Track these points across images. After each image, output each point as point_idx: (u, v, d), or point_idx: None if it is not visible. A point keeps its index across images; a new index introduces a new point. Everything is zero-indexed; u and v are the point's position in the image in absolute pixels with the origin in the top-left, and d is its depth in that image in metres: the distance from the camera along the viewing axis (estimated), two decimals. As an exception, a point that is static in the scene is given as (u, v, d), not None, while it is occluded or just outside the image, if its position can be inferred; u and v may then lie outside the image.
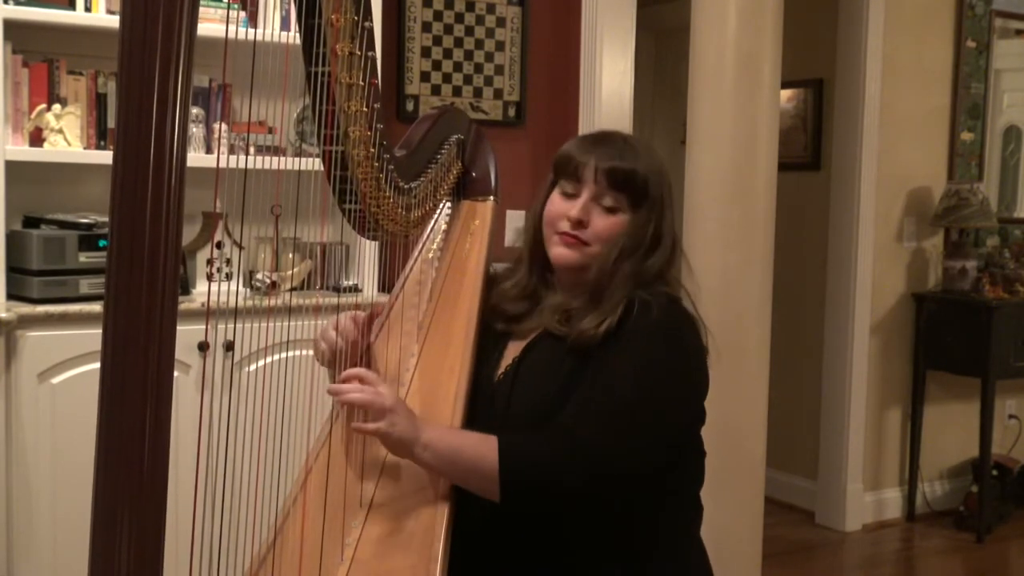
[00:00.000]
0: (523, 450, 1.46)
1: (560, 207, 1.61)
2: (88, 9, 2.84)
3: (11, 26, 2.72)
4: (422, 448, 1.44)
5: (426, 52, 3.52)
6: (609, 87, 3.70)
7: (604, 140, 1.64)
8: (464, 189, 1.92)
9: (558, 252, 1.61)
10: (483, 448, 1.44)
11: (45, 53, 2.87)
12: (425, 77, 3.52)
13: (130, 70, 0.92)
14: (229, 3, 2.88)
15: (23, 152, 2.79)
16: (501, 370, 1.64)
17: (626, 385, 1.48)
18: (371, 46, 1.45)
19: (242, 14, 2.98)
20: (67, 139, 2.84)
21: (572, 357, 1.54)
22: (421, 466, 1.46)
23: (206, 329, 2.56)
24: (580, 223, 1.58)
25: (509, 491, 1.43)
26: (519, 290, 1.67)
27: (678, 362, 1.54)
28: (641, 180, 1.58)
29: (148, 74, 0.92)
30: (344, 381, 1.48)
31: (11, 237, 2.75)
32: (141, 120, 0.92)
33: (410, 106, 3.49)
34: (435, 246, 1.87)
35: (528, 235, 1.69)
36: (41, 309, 2.67)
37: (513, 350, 1.65)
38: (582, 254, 1.59)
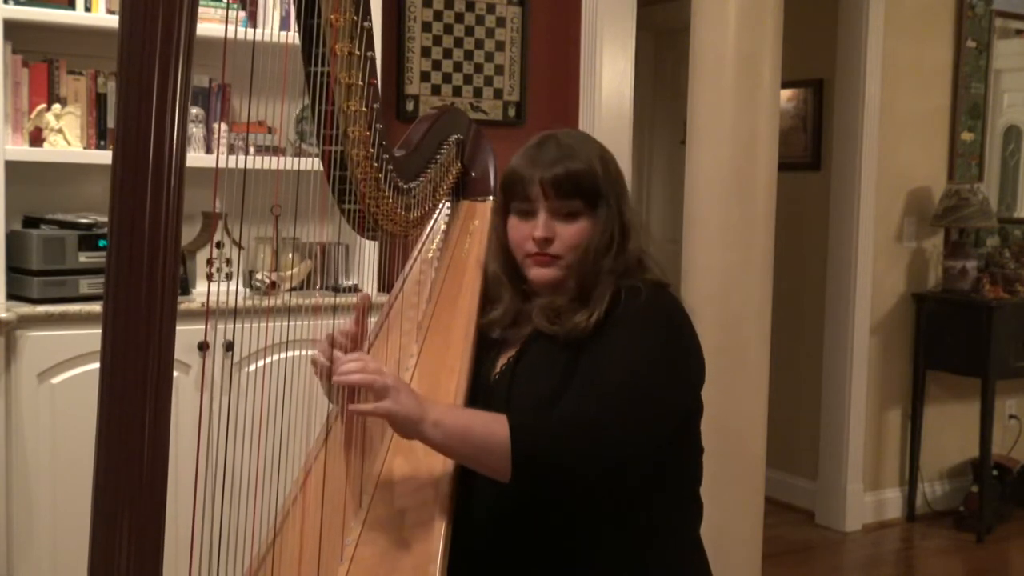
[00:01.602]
0: (534, 428, 1.45)
1: (522, 231, 1.61)
2: (88, 9, 2.84)
3: (11, 26, 2.72)
4: (431, 426, 1.40)
5: (426, 52, 3.52)
6: (609, 87, 3.70)
7: (541, 148, 1.62)
8: (464, 189, 1.92)
9: (535, 274, 1.61)
10: (494, 426, 1.42)
11: (45, 53, 2.87)
12: (425, 77, 3.52)
13: (129, 70, 0.92)
14: (229, 3, 2.88)
15: (23, 152, 2.79)
16: (497, 370, 1.64)
17: (623, 365, 1.48)
18: (370, 46, 1.45)
19: (241, 14, 2.98)
20: (67, 139, 2.84)
21: (566, 353, 1.54)
22: (430, 445, 1.43)
23: (206, 329, 2.56)
24: (546, 240, 1.58)
25: (520, 468, 1.41)
26: (510, 316, 1.66)
27: (671, 338, 1.55)
28: (588, 179, 1.57)
29: (147, 74, 0.92)
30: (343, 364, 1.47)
31: (11, 237, 2.75)
32: (140, 120, 0.92)
33: (410, 106, 3.49)
34: (434, 246, 1.87)
35: (500, 263, 1.67)
36: (41, 309, 2.67)
37: (508, 352, 1.65)
38: (558, 268, 1.59)
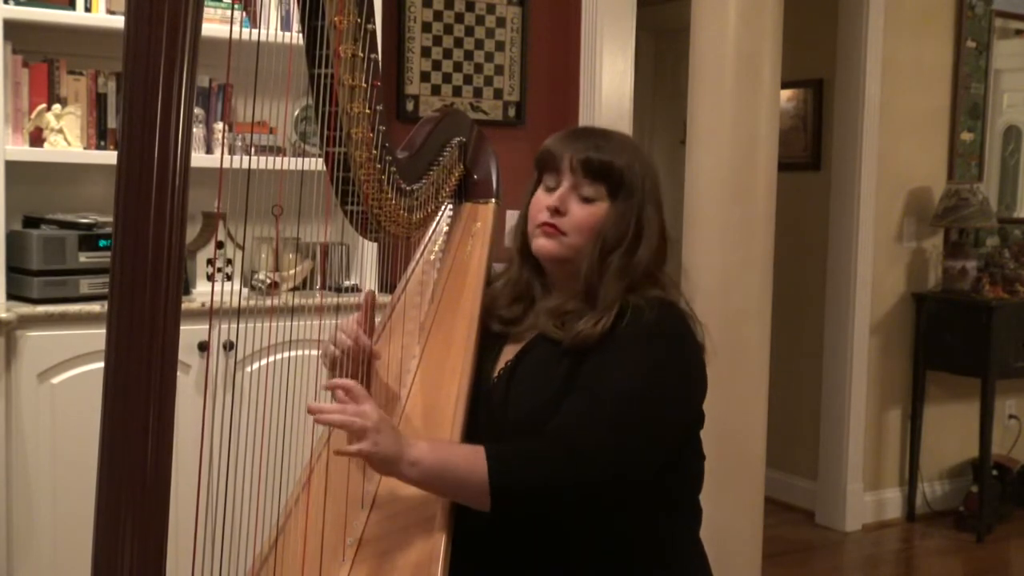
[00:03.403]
0: (513, 460, 1.44)
1: (541, 201, 1.62)
2: (88, 9, 2.83)
3: (11, 26, 2.71)
4: (408, 465, 1.39)
5: (426, 52, 3.52)
6: (609, 87, 3.70)
7: (582, 134, 1.65)
8: (466, 191, 1.92)
9: (538, 244, 1.61)
10: (472, 461, 1.42)
11: (45, 53, 2.87)
12: (425, 77, 3.52)
13: (135, 70, 0.92)
14: (233, 4, 2.87)
15: (23, 152, 2.78)
16: (497, 371, 1.63)
17: (618, 391, 1.47)
18: (373, 48, 1.45)
19: (242, 14, 2.98)
20: (67, 139, 2.84)
21: (568, 360, 1.54)
22: (409, 484, 1.43)
23: (210, 329, 2.56)
24: (557, 211, 1.58)
25: (499, 502, 1.42)
26: (512, 288, 1.67)
27: (671, 366, 1.53)
28: (617, 170, 1.58)
29: (152, 74, 0.91)
30: (330, 388, 1.45)
31: (11, 237, 2.75)
32: (145, 120, 0.92)
33: (410, 106, 3.48)
34: (437, 248, 1.87)
35: (517, 233, 1.69)
36: (41, 309, 2.67)
37: (509, 352, 1.64)
38: (560, 244, 1.59)
